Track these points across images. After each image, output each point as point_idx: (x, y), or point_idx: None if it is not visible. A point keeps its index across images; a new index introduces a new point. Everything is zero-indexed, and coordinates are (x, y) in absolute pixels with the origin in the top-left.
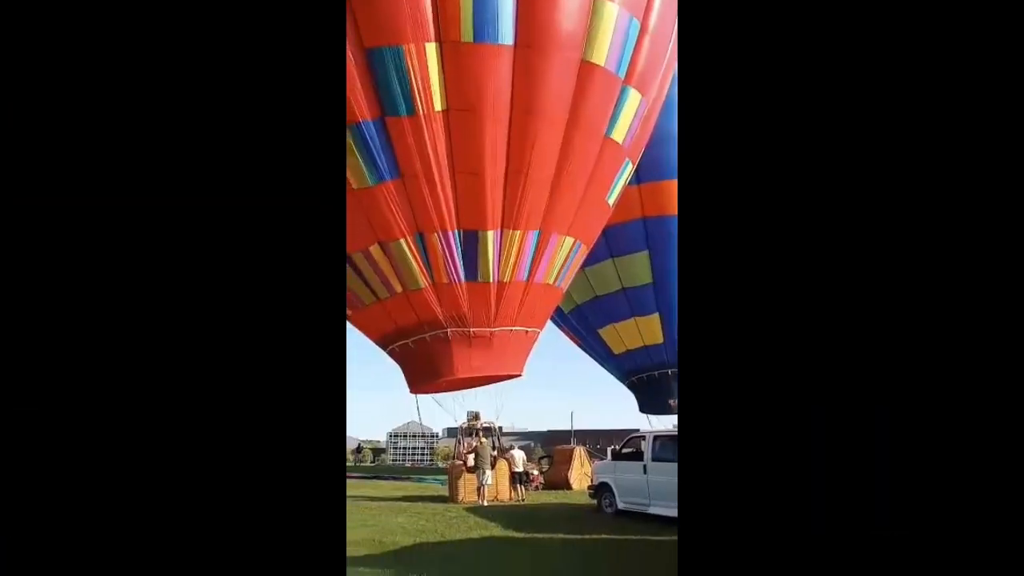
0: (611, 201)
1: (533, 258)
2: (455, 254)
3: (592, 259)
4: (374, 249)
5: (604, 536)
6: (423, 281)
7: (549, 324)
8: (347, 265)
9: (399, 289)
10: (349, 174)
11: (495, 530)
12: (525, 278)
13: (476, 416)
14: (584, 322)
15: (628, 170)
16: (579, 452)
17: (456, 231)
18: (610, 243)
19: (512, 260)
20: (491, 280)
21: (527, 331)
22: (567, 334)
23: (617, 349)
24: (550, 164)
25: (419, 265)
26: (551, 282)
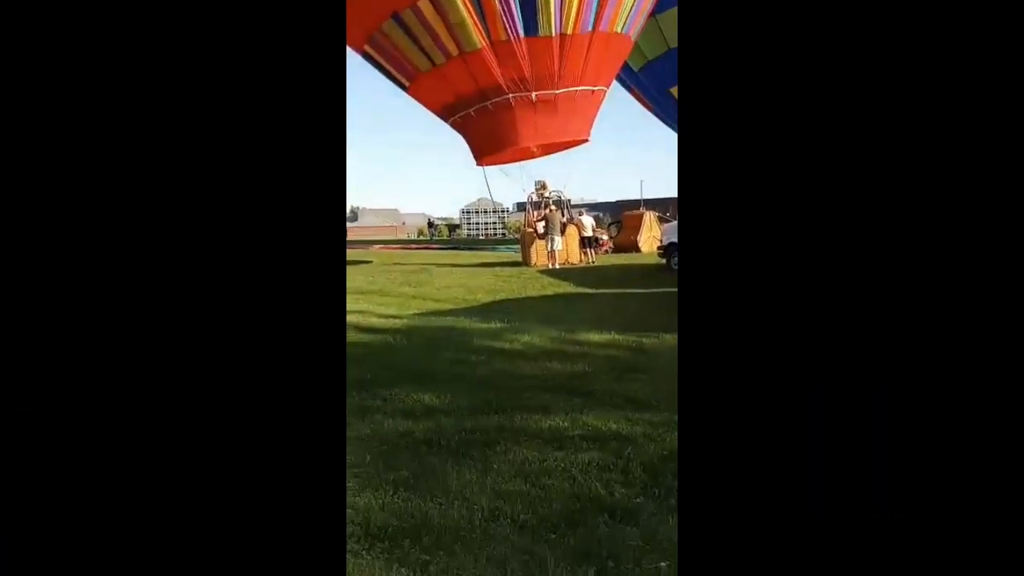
0: None
1: (599, 1)
2: (512, 1)
3: (665, 1)
4: (422, 2)
5: (675, 289)
6: (479, 40)
7: (616, 85)
8: (398, 27)
9: (455, 52)
10: None
11: (568, 287)
12: (590, 28)
13: (543, 185)
14: (655, 80)
15: None
16: (648, 217)
17: None
18: None
19: (575, 5)
20: (552, 33)
21: (593, 90)
22: (635, 96)
23: None
24: None
25: (473, 18)
26: (619, 30)
